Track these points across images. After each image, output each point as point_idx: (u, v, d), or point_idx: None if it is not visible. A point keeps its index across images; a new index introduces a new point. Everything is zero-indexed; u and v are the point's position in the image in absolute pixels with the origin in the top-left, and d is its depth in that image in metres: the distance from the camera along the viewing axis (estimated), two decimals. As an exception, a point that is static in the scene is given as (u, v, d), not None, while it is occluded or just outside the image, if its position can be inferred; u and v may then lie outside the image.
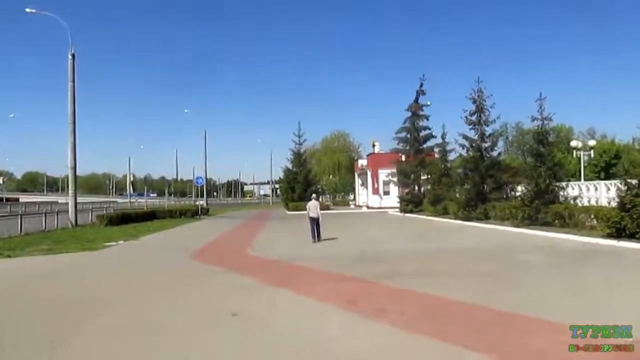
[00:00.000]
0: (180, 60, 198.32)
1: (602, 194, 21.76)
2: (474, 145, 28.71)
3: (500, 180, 27.89)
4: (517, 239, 18.60)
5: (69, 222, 30.44)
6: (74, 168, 32.26)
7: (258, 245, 19.05)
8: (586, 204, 22.05)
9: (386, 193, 54.43)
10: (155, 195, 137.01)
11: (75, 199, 31.72)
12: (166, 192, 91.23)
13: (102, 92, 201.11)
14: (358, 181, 66.08)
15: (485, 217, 26.72)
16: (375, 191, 55.13)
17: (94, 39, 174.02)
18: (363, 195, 62.33)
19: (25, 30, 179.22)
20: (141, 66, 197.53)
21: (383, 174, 52.42)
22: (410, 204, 40.12)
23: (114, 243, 20.33)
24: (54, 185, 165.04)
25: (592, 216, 18.98)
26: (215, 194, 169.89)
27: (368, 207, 54.07)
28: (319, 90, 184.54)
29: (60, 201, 71.46)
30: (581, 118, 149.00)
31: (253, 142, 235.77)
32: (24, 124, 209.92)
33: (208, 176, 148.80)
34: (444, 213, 32.89)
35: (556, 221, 20.34)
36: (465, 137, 29.25)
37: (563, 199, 21.98)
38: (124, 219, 33.58)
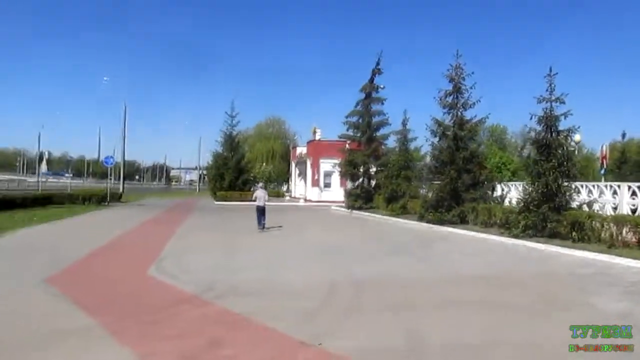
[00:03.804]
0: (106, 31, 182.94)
1: (624, 198, 17.10)
2: (448, 132, 23.51)
3: (479, 177, 22.87)
4: (543, 259, 13.41)
5: None
6: None
7: (169, 256, 12.79)
8: (597, 210, 17.36)
9: (327, 185, 49.10)
10: (70, 175, 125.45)
11: None
12: (70, 171, 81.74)
13: (23, 60, 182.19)
14: (295, 171, 60.28)
15: (461, 222, 21.67)
16: (315, 183, 49.55)
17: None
18: (300, 187, 56.69)
19: None
20: (64, 36, 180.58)
21: (325, 163, 46.92)
22: (359, 199, 34.75)
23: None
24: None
25: (628, 229, 14.22)
26: (137, 177, 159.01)
27: (306, 200, 48.41)
28: (256, 72, 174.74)
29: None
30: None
31: (181, 124, 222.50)
32: None
33: (132, 158, 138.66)
34: (403, 212, 27.74)
35: (574, 233, 15.42)
36: (439, 123, 24.01)
37: (577, 204, 17.15)
38: (4, 204, 26.17)
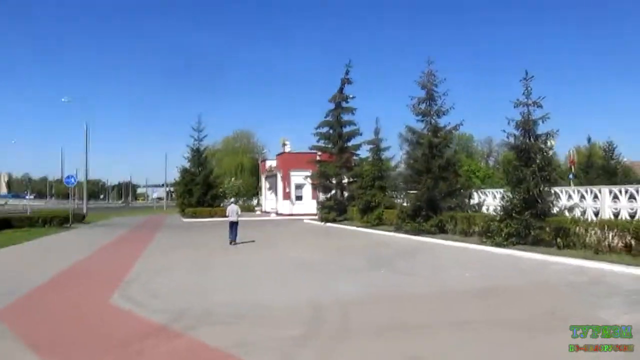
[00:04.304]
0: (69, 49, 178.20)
1: (606, 202, 16.82)
2: (422, 140, 23.02)
3: (455, 185, 22.41)
4: (532, 268, 12.85)
5: None
6: None
7: (135, 279, 11.80)
8: (577, 215, 17.01)
9: (298, 198, 48.21)
10: (31, 197, 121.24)
11: None
12: (30, 193, 79.17)
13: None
14: (265, 184, 59.20)
15: (440, 231, 21.12)
16: (287, 196, 48.60)
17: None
18: (271, 201, 55.57)
19: None
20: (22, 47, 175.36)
21: (296, 176, 46.10)
22: (333, 211, 34.02)
23: None
24: None
25: (615, 234, 13.84)
26: (102, 196, 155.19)
27: (277, 214, 47.43)
28: (222, 84, 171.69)
29: None
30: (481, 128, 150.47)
31: (147, 141, 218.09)
32: None
33: (97, 177, 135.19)
34: (379, 223, 27.14)
35: (558, 239, 14.96)
36: (413, 131, 23.55)
37: (557, 209, 16.76)
38: (-44, 230, 24.56)
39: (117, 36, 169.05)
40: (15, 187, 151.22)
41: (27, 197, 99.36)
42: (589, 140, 59.13)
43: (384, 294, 9.81)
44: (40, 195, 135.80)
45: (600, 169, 52.89)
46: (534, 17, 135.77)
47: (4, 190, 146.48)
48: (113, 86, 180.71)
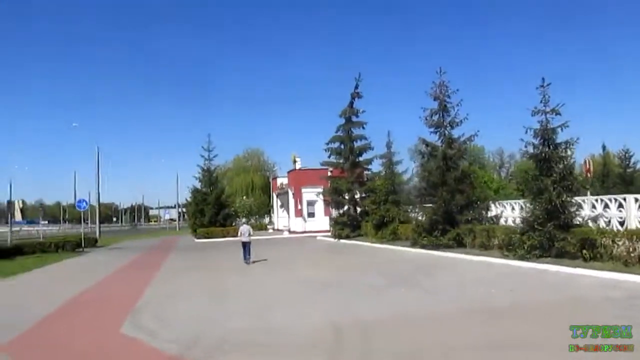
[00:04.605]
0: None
1: (632, 211, 16.15)
2: (436, 152, 22.55)
3: (472, 197, 21.86)
4: (562, 283, 12.26)
5: None
6: None
7: (147, 306, 11.36)
8: (602, 225, 16.40)
9: (311, 215, 47.70)
10: (45, 223, 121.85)
11: None
12: (43, 218, 79.33)
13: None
14: (277, 202, 58.82)
15: (458, 245, 20.54)
16: (299, 213, 48.12)
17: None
18: (283, 218, 55.15)
19: None
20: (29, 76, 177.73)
21: (308, 193, 45.67)
22: (346, 227, 33.49)
23: None
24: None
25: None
26: (115, 219, 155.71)
27: (290, 232, 46.94)
28: (231, 103, 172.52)
29: None
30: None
31: (158, 163, 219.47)
32: None
33: (110, 200, 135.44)
34: (394, 239, 26.58)
35: (584, 251, 14.34)
36: (427, 143, 23.08)
37: (581, 219, 16.17)
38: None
39: (124, 57, 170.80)
40: (30, 213, 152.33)
41: (40, 223, 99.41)
42: (603, 147, 58.27)
43: (407, 314, 9.29)
44: (54, 220, 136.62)
45: (616, 177, 52.00)
46: (543, 23, 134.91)
47: (19, 217, 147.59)
48: (123, 108, 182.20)
